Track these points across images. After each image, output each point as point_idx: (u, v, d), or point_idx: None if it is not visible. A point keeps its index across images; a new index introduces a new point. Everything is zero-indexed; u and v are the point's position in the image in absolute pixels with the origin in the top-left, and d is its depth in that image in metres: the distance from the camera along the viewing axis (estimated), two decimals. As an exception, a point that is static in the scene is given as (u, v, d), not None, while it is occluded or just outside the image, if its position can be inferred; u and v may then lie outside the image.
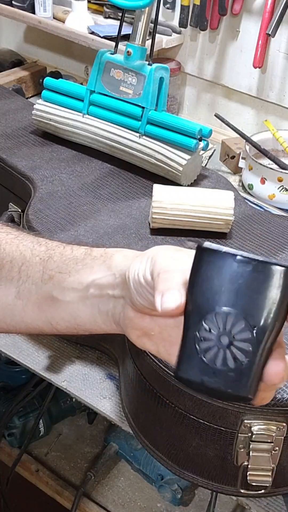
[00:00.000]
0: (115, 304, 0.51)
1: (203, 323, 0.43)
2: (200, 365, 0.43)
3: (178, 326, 0.46)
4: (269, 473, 0.70)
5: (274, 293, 0.42)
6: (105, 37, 1.38)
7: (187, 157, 1.04)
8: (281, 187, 1.19)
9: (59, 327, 0.56)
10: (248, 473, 0.71)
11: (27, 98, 1.54)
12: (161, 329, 0.48)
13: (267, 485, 0.71)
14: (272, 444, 0.69)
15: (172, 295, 0.44)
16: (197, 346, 0.43)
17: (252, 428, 0.69)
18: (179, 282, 0.45)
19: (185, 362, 0.44)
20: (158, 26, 1.33)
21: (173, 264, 0.47)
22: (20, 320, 0.58)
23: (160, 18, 1.43)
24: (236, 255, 0.42)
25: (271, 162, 1.25)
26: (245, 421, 0.68)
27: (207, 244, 0.44)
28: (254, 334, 0.42)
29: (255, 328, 0.42)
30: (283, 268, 0.42)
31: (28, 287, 0.56)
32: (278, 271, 0.42)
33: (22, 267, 0.57)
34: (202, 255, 0.44)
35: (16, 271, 0.57)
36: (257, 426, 0.69)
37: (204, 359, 0.43)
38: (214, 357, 0.42)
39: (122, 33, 1.07)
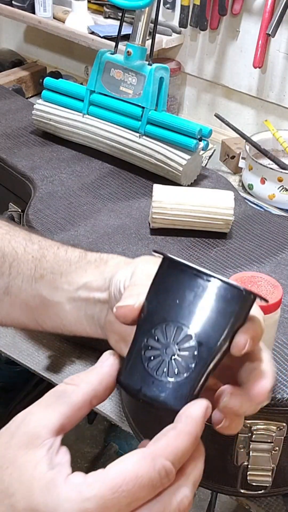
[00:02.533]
0: (101, 308, 0.52)
1: (153, 331, 0.43)
2: (142, 372, 0.43)
3: None
4: (269, 473, 0.70)
5: (226, 315, 0.42)
6: (105, 37, 1.38)
7: (187, 157, 1.04)
8: (281, 187, 1.19)
9: (44, 326, 0.56)
10: (248, 473, 0.71)
11: (27, 98, 1.54)
12: None
13: (267, 485, 0.71)
14: (272, 444, 0.69)
15: (126, 299, 0.45)
16: (143, 353, 0.43)
17: (252, 428, 0.69)
18: (139, 293, 0.46)
19: (128, 368, 0.44)
20: (158, 26, 1.33)
21: (145, 279, 0.47)
22: (6, 314, 0.58)
23: (160, 18, 1.43)
24: (195, 269, 0.43)
25: (271, 162, 1.25)
26: (245, 421, 0.68)
27: (169, 255, 0.44)
28: (199, 351, 0.42)
29: (201, 346, 0.42)
30: (240, 290, 0.42)
31: (18, 284, 0.56)
32: (234, 293, 0.42)
33: (13, 263, 0.57)
34: (163, 266, 0.44)
35: (6, 266, 0.57)
36: (257, 426, 0.69)
37: (146, 367, 0.43)
38: (156, 366, 0.42)
39: (122, 33, 1.07)
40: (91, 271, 0.54)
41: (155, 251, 0.46)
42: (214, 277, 0.42)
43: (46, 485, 0.37)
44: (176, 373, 0.42)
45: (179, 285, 0.43)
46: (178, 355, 0.42)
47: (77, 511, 0.36)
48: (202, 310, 0.42)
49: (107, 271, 0.53)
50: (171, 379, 0.42)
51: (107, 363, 0.45)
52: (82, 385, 0.43)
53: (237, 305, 0.42)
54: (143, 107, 1.06)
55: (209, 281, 0.42)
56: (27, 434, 0.40)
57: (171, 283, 0.43)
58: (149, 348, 0.43)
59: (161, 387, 0.42)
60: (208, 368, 0.43)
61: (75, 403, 0.42)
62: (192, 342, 0.42)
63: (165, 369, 0.42)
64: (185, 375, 0.42)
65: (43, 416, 0.41)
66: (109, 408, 0.86)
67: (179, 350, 0.42)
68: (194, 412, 0.41)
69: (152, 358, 0.43)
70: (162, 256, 0.45)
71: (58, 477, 0.38)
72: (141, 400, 0.43)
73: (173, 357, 0.42)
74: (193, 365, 0.42)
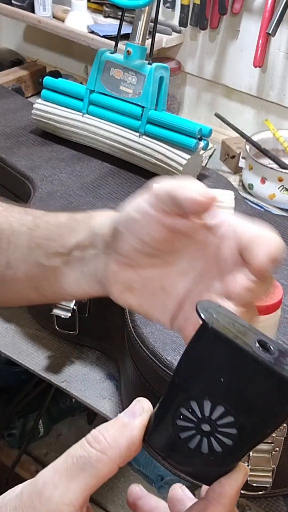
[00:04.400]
0: (97, 263, 0.52)
1: (189, 402, 0.38)
2: (173, 440, 0.39)
3: (161, 277, 0.46)
4: (269, 474, 0.70)
5: (279, 409, 0.37)
6: (105, 36, 1.38)
7: (187, 156, 1.03)
8: (282, 187, 1.19)
9: (46, 294, 0.57)
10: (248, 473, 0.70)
11: (26, 98, 1.53)
12: (143, 281, 0.48)
13: (267, 486, 0.71)
14: (272, 444, 0.69)
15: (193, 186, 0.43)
16: (175, 422, 0.39)
17: (252, 429, 0.68)
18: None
19: (158, 431, 0.40)
20: (158, 25, 1.32)
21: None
22: (9, 289, 0.59)
23: (160, 17, 1.43)
24: (250, 354, 0.36)
25: (272, 162, 1.25)
26: (245, 421, 0.68)
27: (217, 326, 0.37)
28: (240, 435, 0.38)
29: (243, 431, 0.38)
30: None
31: (17, 257, 0.57)
32: None
33: (11, 238, 0.58)
34: (207, 336, 0.37)
35: (5, 242, 0.58)
36: (258, 427, 0.68)
37: (178, 436, 0.39)
38: (189, 438, 0.39)
39: (122, 32, 1.07)
40: (81, 229, 0.54)
41: (198, 312, 0.37)
42: (273, 369, 0.36)
43: None
44: (210, 449, 0.38)
45: (227, 363, 0.37)
46: (215, 434, 0.38)
47: None
48: (250, 397, 0.37)
49: (95, 225, 0.53)
50: (204, 454, 0.39)
51: (138, 424, 0.40)
52: (109, 452, 0.40)
53: None
54: (143, 107, 1.05)
55: (264, 370, 0.36)
56: None
57: (216, 356, 0.37)
58: (182, 418, 0.39)
59: (192, 460, 0.39)
60: (247, 450, 0.39)
61: (101, 473, 0.40)
62: (233, 425, 0.38)
63: (198, 443, 0.39)
64: (220, 453, 0.38)
65: (67, 491, 0.39)
66: (109, 408, 0.86)
67: (217, 430, 0.38)
68: (229, 491, 0.38)
69: (185, 429, 0.39)
70: (203, 322, 0.37)
71: None
72: (169, 464, 0.42)
73: (210, 434, 0.38)
74: (230, 445, 0.38)
